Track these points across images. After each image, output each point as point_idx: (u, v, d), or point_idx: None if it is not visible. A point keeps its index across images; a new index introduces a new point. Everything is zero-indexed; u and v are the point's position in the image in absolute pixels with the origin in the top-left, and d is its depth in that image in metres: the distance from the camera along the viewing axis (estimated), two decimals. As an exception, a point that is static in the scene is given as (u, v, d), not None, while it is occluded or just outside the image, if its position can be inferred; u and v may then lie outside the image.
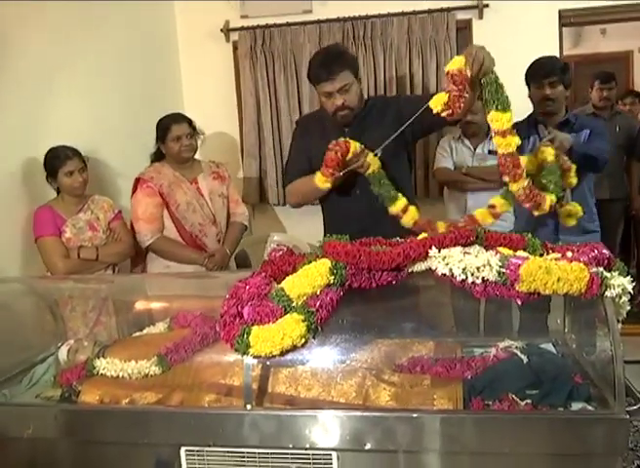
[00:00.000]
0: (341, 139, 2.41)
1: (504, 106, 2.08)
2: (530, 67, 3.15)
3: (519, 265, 1.60)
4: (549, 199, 2.27)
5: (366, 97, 4.12)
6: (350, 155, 2.40)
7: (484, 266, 1.64)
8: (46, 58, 3.00)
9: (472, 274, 1.63)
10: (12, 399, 2.07)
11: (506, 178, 2.18)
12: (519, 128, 2.99)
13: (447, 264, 1.69)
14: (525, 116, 3.18)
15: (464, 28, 4.11)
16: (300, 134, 2.84)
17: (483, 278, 1.64)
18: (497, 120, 2.09)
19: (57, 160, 2.77)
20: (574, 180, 2.54)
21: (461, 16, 4.08)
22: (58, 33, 3.08)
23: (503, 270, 1.62)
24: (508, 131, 2.10)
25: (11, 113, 2.74)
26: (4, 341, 2.35)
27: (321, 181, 2.43)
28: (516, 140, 2.09)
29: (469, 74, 2.04)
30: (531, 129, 3.10)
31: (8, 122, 2.72)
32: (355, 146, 2.41)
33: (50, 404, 1.98)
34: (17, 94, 2.79)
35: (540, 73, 3.05)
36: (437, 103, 2.07)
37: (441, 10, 4.04)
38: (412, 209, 2.50)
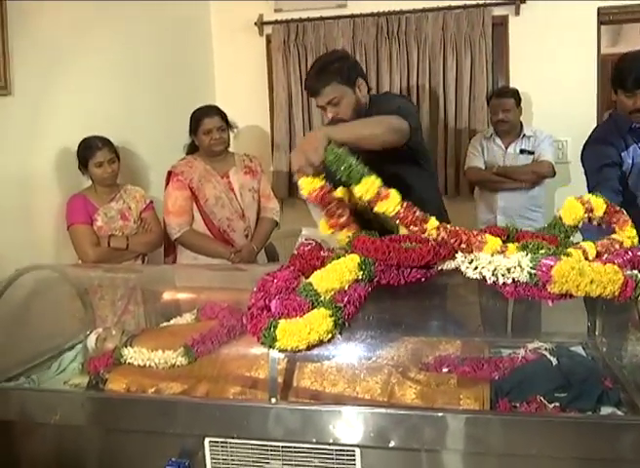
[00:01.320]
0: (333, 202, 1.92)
1: (361, 175, 1.75)
2: (618, 69, 2.59)
3: (551, 266, 1.57)
4: None
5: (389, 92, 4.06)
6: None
7: (515, 268, 1.61)
8: (79, 50, 3.03)
9: (503, 275, 1.61)
10: (40, 385, 2.09)
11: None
12: (612, 139, 2.59)
13: (475, 268, 1.66)
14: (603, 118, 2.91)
15: (500, 24, 4.07)
16: None
17: (514, 279, 1.61)
18: (365, 191, 1.75)
19: (87, 151, 2.81)
20: None
21: (498, 12, 4.04)
22: (91, 26, 3.12)
23: (535, 271, 1.59)
24: (383, 194, 1.77)
25: (44, 103, 2.77)
26: (34, 327, 2.39)
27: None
28: (395, 199, 1.76)
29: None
30: (626, 136, 2.62)
31: (42, 111, 2.76)
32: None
33: (77, 391, 2.00)
34: (50, 83, 2.82)
35: (631, 81, 2.48)
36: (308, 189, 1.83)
37: (477, 5, 4.01)
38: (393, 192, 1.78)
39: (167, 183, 3.12)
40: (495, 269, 1.63)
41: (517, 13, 4.00)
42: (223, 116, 3.13)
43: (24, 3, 2.62)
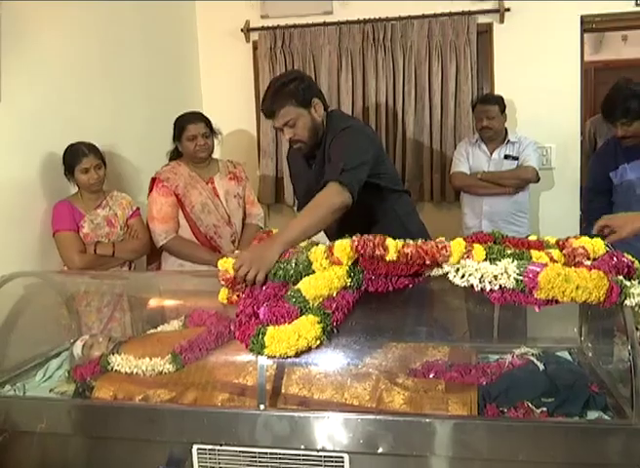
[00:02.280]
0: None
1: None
2: (605, 102, 2.95)
3: (537, 273, 1.59)
4: None
5: (358, 105, 4.08)
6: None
7: (501, 274, 1.62)
8: (66, 55, 3.01)
9: (490, 282, 1.62)
10: (26, 392, 2.07)
11: None
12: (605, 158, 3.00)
13: (463, 276, 1.67)
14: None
15: (485, 32, 4.10)
16: (290, 163, 2.80)
17: (500, 285, 1.62)
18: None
19: (73, 157, 2.78)
20: None
21: (483, 19, 4.07)
22: (78, 30, 3.10)
23: (521, 278, 1.60)
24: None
25: (31, 108, 2.75)
26: (20, 334, 2.36)
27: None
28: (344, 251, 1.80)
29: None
30: (618, 157, 3.01)
31: (29, 117, 2.74)
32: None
33: (64, 399, 1.99)
34: (38, 89, 2.80)
35: (614, 115, 2.87)
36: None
37: (462, 13, 4.03)
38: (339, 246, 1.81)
39: (150, 190, 3.10)
40: (482, 276, 1.64)
41: (502, 21, 4.03)
42: (208, 122, 3.11)
43: (12, 8, 2.60)
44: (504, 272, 1.62)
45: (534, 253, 1.74)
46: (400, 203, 2.54)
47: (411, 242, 1.74)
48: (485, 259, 1.68)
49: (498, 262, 1.65)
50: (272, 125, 2.47)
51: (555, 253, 1.76)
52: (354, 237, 1.77)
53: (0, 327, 2.30)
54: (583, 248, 1.75)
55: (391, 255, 1.70)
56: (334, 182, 2.10)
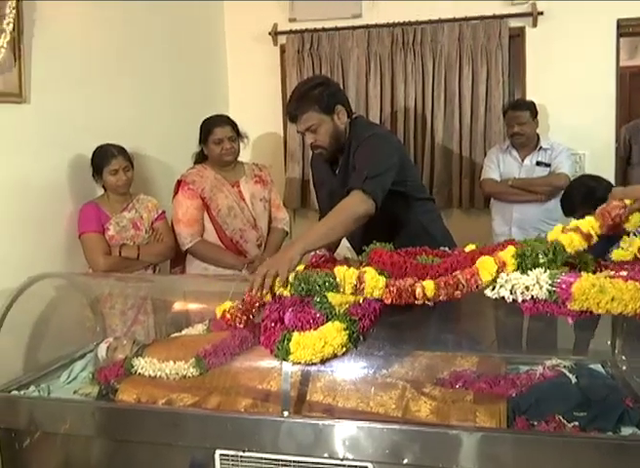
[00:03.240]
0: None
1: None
2: None
3: (571, 283, 1.56)
4: None
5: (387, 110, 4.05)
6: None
7: (533, 285, 1.60)
8: (94, 57, 3.05)
9: (522, 293, 1.60)
10: (50, 394, 2.09)
11: None
12: None
13: (493, 288, 1.65)
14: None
15: (517, 36, 4.07)
16: (313, 168, 2.79)
17: (532, 296, 1.60)
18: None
19: (102, 158, 2.81)
20: None
21: (515, 23, 4.04)
22: (105, 32, 3.14)
23: (554, 289, 1.58)
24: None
25: (58, 110, 2.79)
26: (45, 335, 2.40)
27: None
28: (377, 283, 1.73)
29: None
30: None
31: (56, 119, 2.77)
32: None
33: (88, 400, 2.00)
34: (65, 91, 2.84)
35: None
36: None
37: (494, 17, 4.01)
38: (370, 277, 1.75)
39: (176, 192, 3.11)
40: (512, 287, 1.62)
41: (534, 24, 4.00)
42: (234, 126, 3.12)
43: (40, 9, 2.64)
44: (536, 282, 1.60)
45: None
46: (424, 210, 2.53)
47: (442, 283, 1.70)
48: (516, 269, 1.65)
49: (529, 272, 1.63)
50: (296, 129, 2.48)
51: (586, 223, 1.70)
52: (389, 281, 1.71)
53: (26, 327, 2.33)
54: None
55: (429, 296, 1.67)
56: (357, 190, 2.11)
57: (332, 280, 1.74)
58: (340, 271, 1.74)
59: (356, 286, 1.71)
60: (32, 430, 1.94)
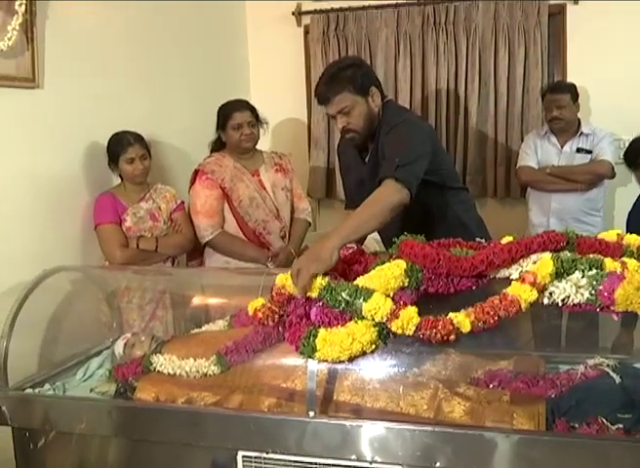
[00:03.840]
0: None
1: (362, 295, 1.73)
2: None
3: (613, 290, 1.54)
4: None
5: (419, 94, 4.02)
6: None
7: (575, 294, 1.59)
8: (109, 41, 3.07)
9: (563, 300, 1.59)
10: (65, 392, 2.12)
11: None
12: None
13: None
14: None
15: (558, 14, 4.01)
16: (340, 156, 2.80)
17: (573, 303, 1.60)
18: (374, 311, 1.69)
19: (118, 146, 2.83)
20: None
21: (555, 0, 3.97)
22: (121, 16, 3.15)
23: (595, 297, 1.57)
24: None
25: (73, 96, 2.82)
26: (60, 331, 2.43)
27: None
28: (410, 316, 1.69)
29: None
30: None
31: (70, 105, 2.80)
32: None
33: (104, 399, 2.03)
34: (79, 76, 2.86)
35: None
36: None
37: (532, -7, 3.95)
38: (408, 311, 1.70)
39: (193, 182, 3.12)
40: (551, 295, 1.61)
41: (576, 1, 3.94)
42: (254, 111, 3.13)
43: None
44: (577, 292, 1.59)
45: (608, 262, 1.67)
46: (458, 200, 2.52)
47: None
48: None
49: (568, 277, 1.62)
50: (325, 112, 2.47)
51: (631, 263, 1.68)
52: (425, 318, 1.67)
53: (40, 322, 2.36)
54: None
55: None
56: (390, 179, 2.10)
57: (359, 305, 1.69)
58: (375, 300, 1.67)
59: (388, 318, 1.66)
60: (47, 430, 1.97)
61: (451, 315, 1.64)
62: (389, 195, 2.08)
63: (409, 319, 1.63)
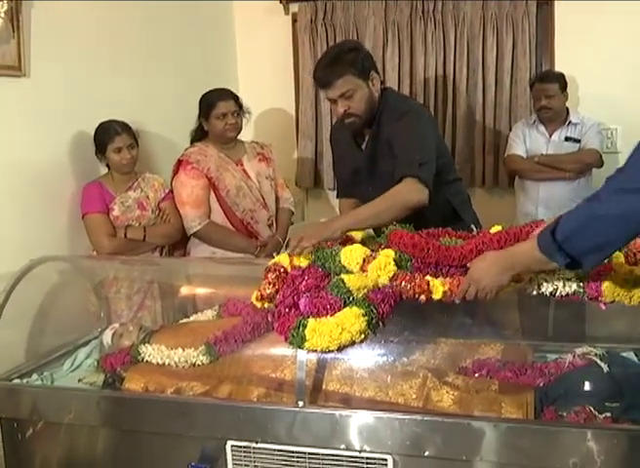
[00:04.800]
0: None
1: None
2: None
3: (601, 282, 1.56)
4: None
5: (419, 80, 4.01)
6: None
7: (562, 287, 1.61)
8: (96, 29, 3.04)
9: (550, 293, 1.60)
10: (53, 382, 2.11)
11: None
12: None
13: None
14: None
15: (546, 3, 3.99)
16: (333, 143, 2.78)
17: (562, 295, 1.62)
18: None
19: (105, 135, 2.80)
20: None
21: (543, -11, 3.96)
22: (110, 5, 3.11)
23: (583, 289, 1.58)
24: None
25: (59, 84, 2.79)
26: (47, 321, 2.41)
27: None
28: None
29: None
30: None
31: (57, 94, 2.77)
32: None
33: (92, 389, 2.02)
34: (66, 64, 2.83)
35: None
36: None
37: (520, -18, 3.94)
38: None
39: (176, 172, 3.07)
40: (538, 287, 1.63)
41: (564, -10, 3.94)
42: (237, 100, 3.10)
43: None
44: (564, 284, 1.61)
45: None
46: (455, 192, 2.52)
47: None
48: None
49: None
50: (325, 96, 2.45)
51: (617, 255, 1.69)
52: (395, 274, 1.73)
53: (27, 313, 2.34)
54: None
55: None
56: (412, 178, 2.10)
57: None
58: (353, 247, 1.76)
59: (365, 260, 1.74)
60: (35, 420, 1.96)
61: (428, 277, 1.68)
62: (409, 193, 2.10)
63: (386, 264, 1.69)
